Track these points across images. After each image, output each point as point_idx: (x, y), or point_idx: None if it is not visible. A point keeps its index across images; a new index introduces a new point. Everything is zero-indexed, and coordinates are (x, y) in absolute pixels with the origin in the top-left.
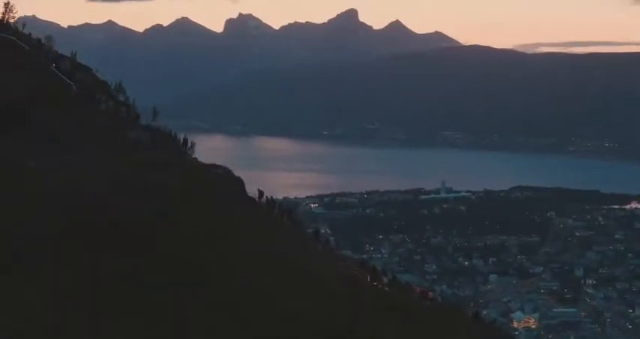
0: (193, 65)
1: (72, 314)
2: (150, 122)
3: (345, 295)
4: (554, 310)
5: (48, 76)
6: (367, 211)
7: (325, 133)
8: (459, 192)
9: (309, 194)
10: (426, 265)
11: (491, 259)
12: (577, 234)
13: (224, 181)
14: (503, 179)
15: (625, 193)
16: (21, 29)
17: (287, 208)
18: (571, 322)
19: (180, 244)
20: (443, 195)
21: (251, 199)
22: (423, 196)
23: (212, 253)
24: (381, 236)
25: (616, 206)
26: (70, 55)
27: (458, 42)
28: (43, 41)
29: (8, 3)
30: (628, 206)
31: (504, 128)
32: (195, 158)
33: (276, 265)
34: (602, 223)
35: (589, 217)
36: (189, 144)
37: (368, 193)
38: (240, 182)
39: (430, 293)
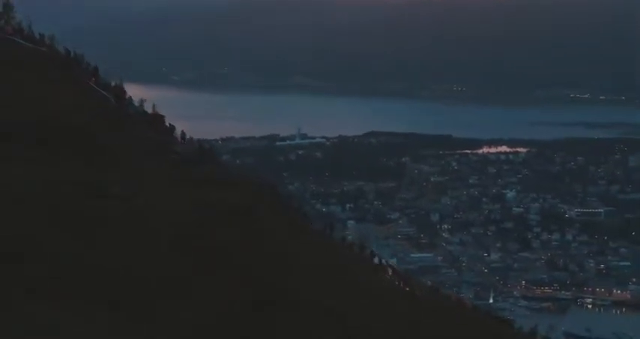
0: (38, 9)
1: None
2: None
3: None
4: (412, 255)
5: (91, 90)
6: (223, 157)
7: (175, 78)
8: (314, 138)
9: None
10: None
11: (348, 205)
12: (432, 179)
13: (270, 193)
14: (357, 125)
15: (476, 137)
16: (28, 30)
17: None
18: (428, 267)
19: (272, 268)
20: (298, 141)
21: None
22: (279, 143)
23: (299, 275)
24: None
25: (468, 151)
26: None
27: None
28: (47, 41)
29: (7, 3)
30: (480, 151)
31: (354, 73)
32: (233, 169)
33: (337, 280)
34: (455, 168)
35: (443, 162)
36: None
37: (223, 139)
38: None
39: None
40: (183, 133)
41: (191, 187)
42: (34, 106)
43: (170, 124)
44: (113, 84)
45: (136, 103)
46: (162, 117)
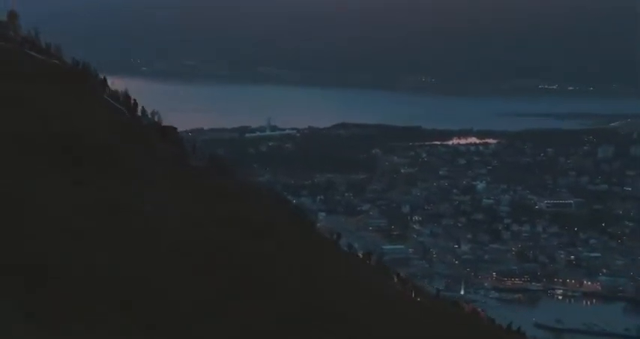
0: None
1: None
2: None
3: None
4: (383, 247)
5: (106, 103)
6: None
7: (144, 69)
8: (284, 129)
9: None
10: None
11: (319, 197)
12: (402, 171)
13: (284, 205)
14: (327, 116)
15: (446, 129)
16: (33, 37)
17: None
18: (400, 259)
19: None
20: (268, 133)
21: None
22: (249, 134)
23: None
24: None
25: (438, 142)
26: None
27: None
28: (52, 50)
29: (12, 11)
30: (450, 142)
31: (323, 63)
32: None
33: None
34: (425, 159)
35: (413, 153)
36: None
37: (192, 131)
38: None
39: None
40: (194, 145)
41: (212, 201)
42: (57, 123)
43: (180, 136)
44: (122, 96)
45: (149, 115)
46: (174, 128)
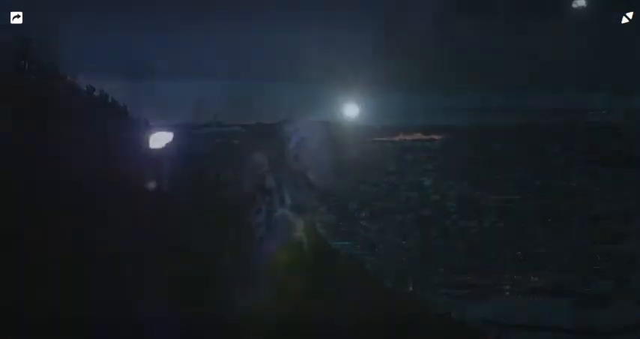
0: None
1: None
2: None
3: None
4: (331, 243)
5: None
6: None
7: (90, 65)
8: (230, 126)
9: None
10: None
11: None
12: (348, 167)
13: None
14: (275, 111)
15: (391, 124)
16: (51, 64)
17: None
18: (348, 255)
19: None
20: (215, 129)
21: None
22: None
23: None
24: None
25: (384, 138)
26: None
27: None
28: (69, 78)
29: (26, 37)
30: (397, 138)
31: (264, 56)
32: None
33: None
34: (373, 155)
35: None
36: None
37: None
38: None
39: None
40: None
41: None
42: (107, 167)
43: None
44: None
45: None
46: None
